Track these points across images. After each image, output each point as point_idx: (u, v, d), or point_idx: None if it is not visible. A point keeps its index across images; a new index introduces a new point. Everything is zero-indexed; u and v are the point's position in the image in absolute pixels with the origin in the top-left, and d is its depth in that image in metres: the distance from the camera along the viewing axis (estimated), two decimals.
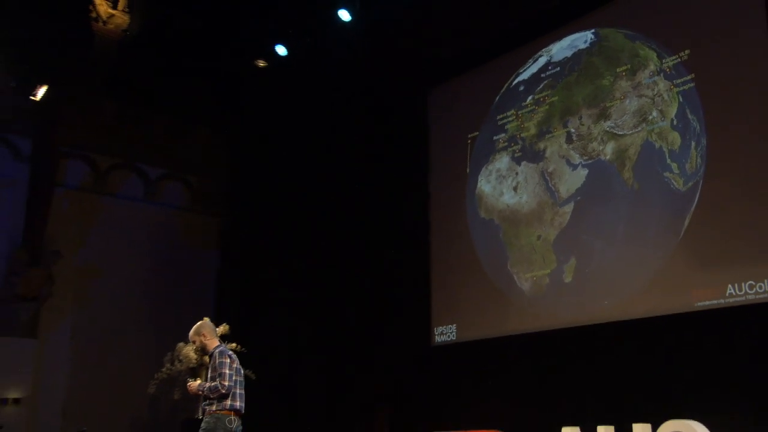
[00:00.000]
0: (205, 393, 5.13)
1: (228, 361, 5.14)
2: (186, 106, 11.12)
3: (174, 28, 10.07)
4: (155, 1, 9.61)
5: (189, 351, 8.36)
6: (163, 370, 8.28)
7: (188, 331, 8.32)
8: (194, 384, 5.25)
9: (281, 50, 9.95)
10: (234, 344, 8.65)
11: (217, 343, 5.41)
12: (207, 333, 5.38)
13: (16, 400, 9.39)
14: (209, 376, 5.18)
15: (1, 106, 9.54)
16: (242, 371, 5.31)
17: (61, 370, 9.97)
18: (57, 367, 9.93)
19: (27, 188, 9.92)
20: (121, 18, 9.35)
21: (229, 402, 5.06)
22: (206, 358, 5.50)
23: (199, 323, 5.49)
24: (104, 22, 9.27)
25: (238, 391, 5.13)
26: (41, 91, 9.50)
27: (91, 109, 10.26)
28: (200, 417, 5.26)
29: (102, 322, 10.29)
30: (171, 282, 10.91)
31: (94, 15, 9.19)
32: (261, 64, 10.37)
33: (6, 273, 9.63)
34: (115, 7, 9.28)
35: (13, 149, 9.99)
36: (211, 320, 8.68)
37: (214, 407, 5.08)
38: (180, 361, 7.88)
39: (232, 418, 5.07)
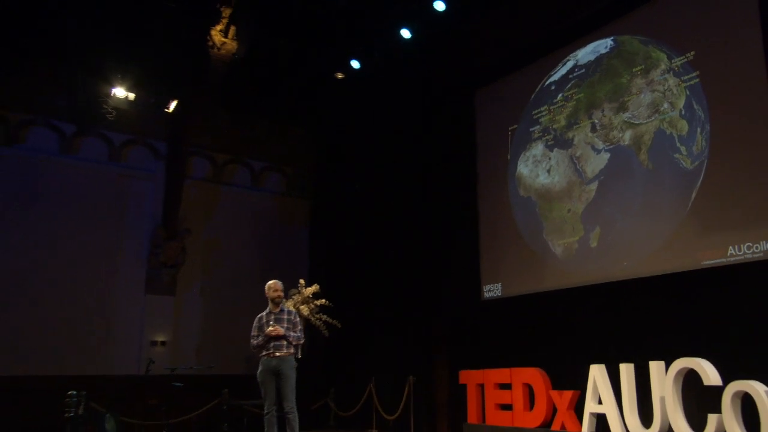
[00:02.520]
0: (290, 339, 5.40)
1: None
2: (282, 112, 11.43)
3: (271, 50, 10.36)
4: (257, 31, 9.83)
5: (290, 305, 8.75)
6: None
7: (287, 290, 8.54)
8: (281, 329, 5.41)
9: (355, 64, 10.20)
10: (323, 300, 9.02)
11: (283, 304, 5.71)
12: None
13: (163, 342, 10.04)
14: (286, 327, 5.44)
15: (144, 117, 10.06)
16: None
17: (194, 320, 10.48)
18: (190, 318, 10.45)
19: (164, 180, 10.44)
20: (231, 44, 9.58)
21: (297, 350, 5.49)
22: (274, 307, 5.60)
23: (281, 284, 5.69)
24: (218, 48, 9.53)
25: None
26: (173, 105, 9.99)
27: (209, 117, 10.61)
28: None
29: (223, 283, 10.75)
30: (273, 251, 11.23)
31: (210, 43, 9.48)
32: (340, 76, 10.59)
33: (151, 246, 10.18)
34: (226, 36, 9.52)
35: (153, 150, 10.50)
36: (305, 281, 9.06)
37: (291, 350, 5.44)
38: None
39: None
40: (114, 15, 8.73)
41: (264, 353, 5.44)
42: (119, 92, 9.26)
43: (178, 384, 8.50)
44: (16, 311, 9.02)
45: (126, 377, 9.44)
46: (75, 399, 6.63)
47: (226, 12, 9.41)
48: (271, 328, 5.40)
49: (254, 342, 5.52)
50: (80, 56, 8.91)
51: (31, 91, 9.42)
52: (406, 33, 9.25)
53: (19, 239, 9.22)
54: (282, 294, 5.60)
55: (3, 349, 8.79)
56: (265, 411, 5.42)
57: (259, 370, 5.47)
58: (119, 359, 9.71)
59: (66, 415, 6.56)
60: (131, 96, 9.34)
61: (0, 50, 8.94)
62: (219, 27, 9.51)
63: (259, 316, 5.62)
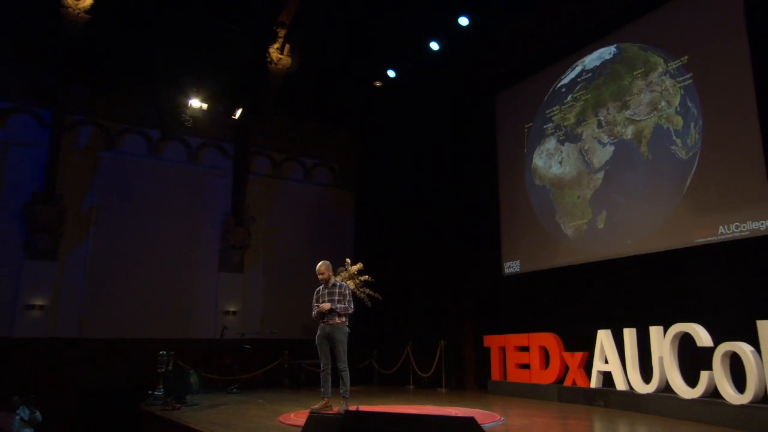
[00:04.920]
0: (338, 311, 5.47)
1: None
2: (330, 116, 11.64)
3: (320, 64, 10.58)
4: (307, 48, 10.03)
5: (338, 280, 8.92)
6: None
7: (335, 268, 8.60)
8: (326, 305, 5.46)
9: (391, 73, 10.35)
10: (366, 276, 9.23)
11: (335, 279, 5.74)
12: (332, 272, 5.79)
13: (234, 312, 10.40)
14: (336, 299, 5.48)
15: (215, 124, 10.41)
16: None
17: (259, 293, 10.82)
18: (256, 291, 10.79)
19: (232, 176, 10.76)
20: (286, 60, 9.79)
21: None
22: (326, 283, 5.64)
23: (328, 263, 5.69)
24: (275, 63, 9.75)
25: None
26: (238, 112, 10.32)
27: (269, 122, 10.86)
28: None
29: (282, 262, 11.04)
30: (323, 235, 11.48)
31: (269, 59, 9.71)
32: (378, 83, 10.76)
33: (222, 232, 10.56)
34: (282, 53, 9.73)
35: (223, 151, 10.85)
36: (351, 260, 9.21)
37: (344, 320, 5.52)
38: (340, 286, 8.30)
39: None
40: (190, 39, 9.06)
41: (321, 322, 5.59)
42: (195, 103, 9.60)
43: (247, 346, 8.92)
44: (117, 288, 9.57)
45: (205, 340, 9.88)
46: (165, 358, 6.90)
47: (282, 32, 9.65)
48: (319, 307, 5.57)
49: (313, 312, 5.66)
50: (164, 74, 9.29)
51: (126, 105, 9.92)
52: (434, 45, 9.38)
53: (118, 227, 9.75)
54: (326, 275, 5.62)
55: (108, 318, 9.38)
56: (321, 369, 5.57)
57: (316, 335, 5.63)
58: (199, 326, 10.14)
59: (158, 370, 6.88)
60: (204, 106, 9.66)
61: (100, 73, 9.46)
62: (276, 45, 9.74)
63: (317, 289, 5.73)
